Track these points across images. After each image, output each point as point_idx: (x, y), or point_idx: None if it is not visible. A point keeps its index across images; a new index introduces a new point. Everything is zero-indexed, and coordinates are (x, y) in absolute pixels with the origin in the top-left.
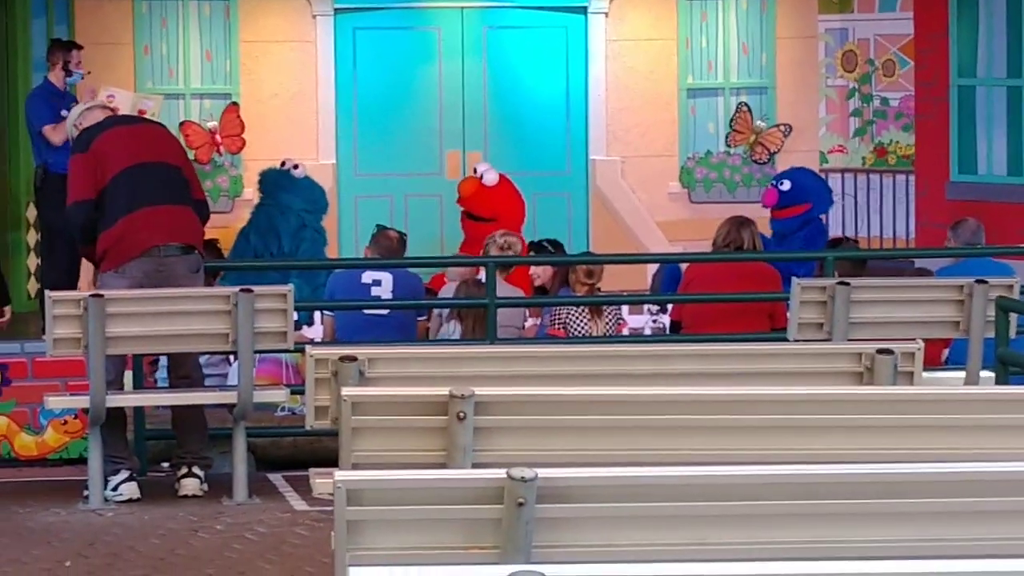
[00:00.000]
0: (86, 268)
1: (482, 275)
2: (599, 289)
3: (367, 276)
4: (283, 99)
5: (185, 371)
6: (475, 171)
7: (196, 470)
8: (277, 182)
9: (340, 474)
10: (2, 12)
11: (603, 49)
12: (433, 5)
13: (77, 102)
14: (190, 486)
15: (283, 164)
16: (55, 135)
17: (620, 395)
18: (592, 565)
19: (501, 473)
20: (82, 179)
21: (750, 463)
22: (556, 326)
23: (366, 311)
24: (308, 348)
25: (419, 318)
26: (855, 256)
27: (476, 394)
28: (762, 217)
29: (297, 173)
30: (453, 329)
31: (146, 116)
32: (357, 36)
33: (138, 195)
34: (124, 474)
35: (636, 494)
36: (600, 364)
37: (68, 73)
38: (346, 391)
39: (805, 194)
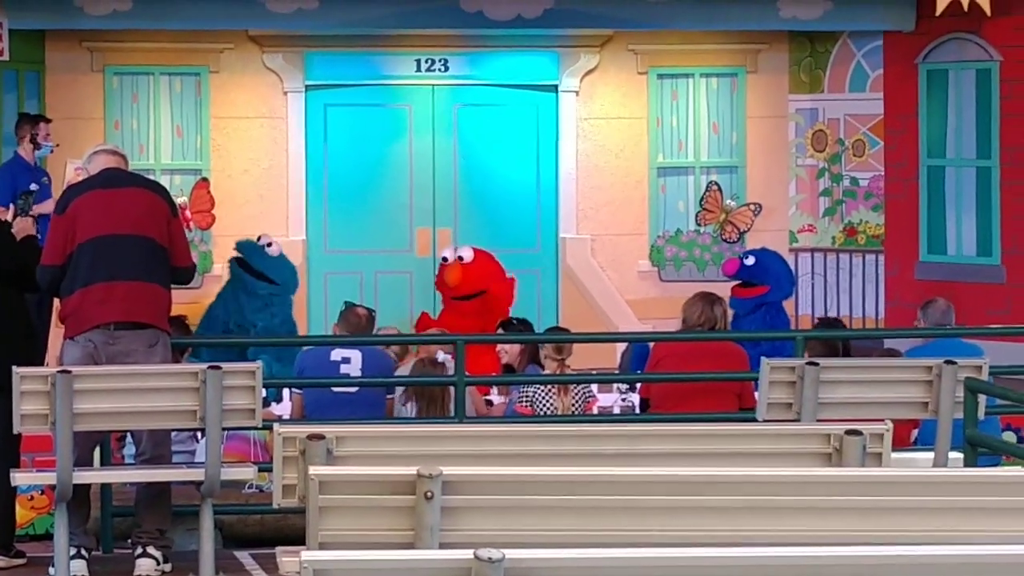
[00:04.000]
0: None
1: (439, 355)
2: (568, 366)
3: (336, 354)
4: (254, 175)
5: (154, 448)
6: (446, 259)
7: (151, 551)
8: (250, 257)
9: (307, 554)
10: None
11: (574, 127)
12: (404, 83)
13: (48, 176)
14: (145, 566)
15: (259, 239)
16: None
17: (589, 475)
18: None
19: (468, 554)
20: (53, 242)
21: (719, 544)
22: (523, 403)
23: (335, 389)
24: (276, 426)
25: (388, 396)
26: (827, 336)
27: (444, 473)
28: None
29: (271, 251)
30: (410, 409)
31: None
32: (328, 112)
33: (98, 268)
34: (73, 550)
35: (604, 575)
36: (569, 443)
37: (37, 146)
38: (313, 470)
39: (765, 275)
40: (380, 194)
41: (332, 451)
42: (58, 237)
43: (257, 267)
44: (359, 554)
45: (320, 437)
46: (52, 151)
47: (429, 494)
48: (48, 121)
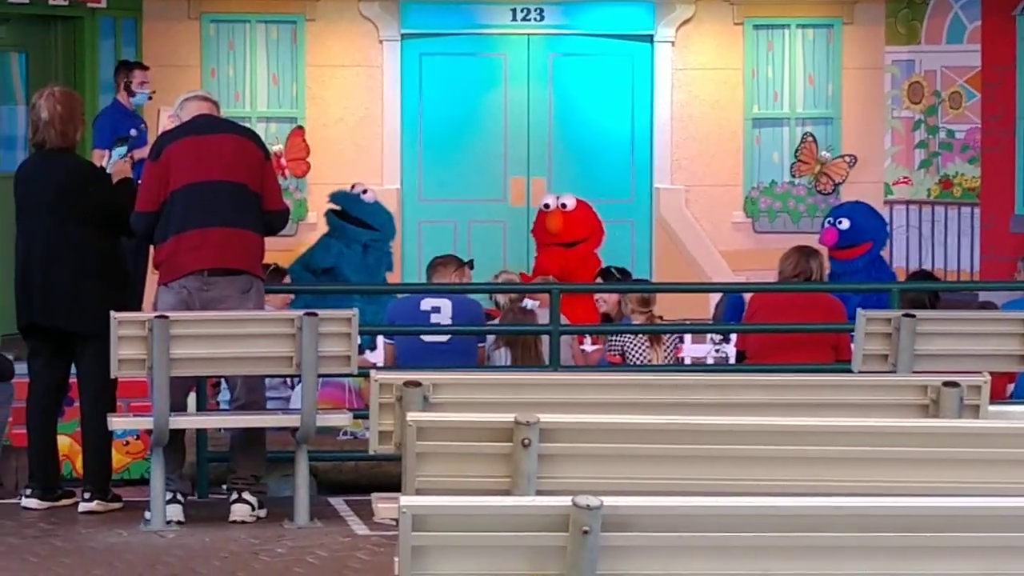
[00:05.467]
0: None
1: (526, 302)
2: (661, 317)
3: (426, 303)
4: (349, 123)
5: (249, 394)
6: (547, 206)
7: (247, 496)
8: (347, 206)
9: (405, 499)
10: (71, 35)
11: (669, 78)
12: (499, 32)
13: (144, 123)
14: (240, 512)
15: (353, 188)
16: (101, 162)
17: (685, 424)
18: None
19: (566, 501)
20: (147, 189)
21: (814, 494)
22: (614, 352)
23: (426, 338)
24: (373, 373)
25: (479, 344)
26: (922, 288)
27: (541, 421)
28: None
29: (367, 198)
30: (503, 356)
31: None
32: (423, 61)
33: (192, 215)
34: (168, 495)
35: (701, 523)
36: (664, 393)
37: (131, 93)
38: (411, 416)
39: (865, 233)
40: (474, 143)
41: (428, 398)
42: (152, 184)
43: (356, 215)
44: (457, 500)
45: (417, 384)
46: (149, 98)
47: (526, 441)
48: (144, 68)
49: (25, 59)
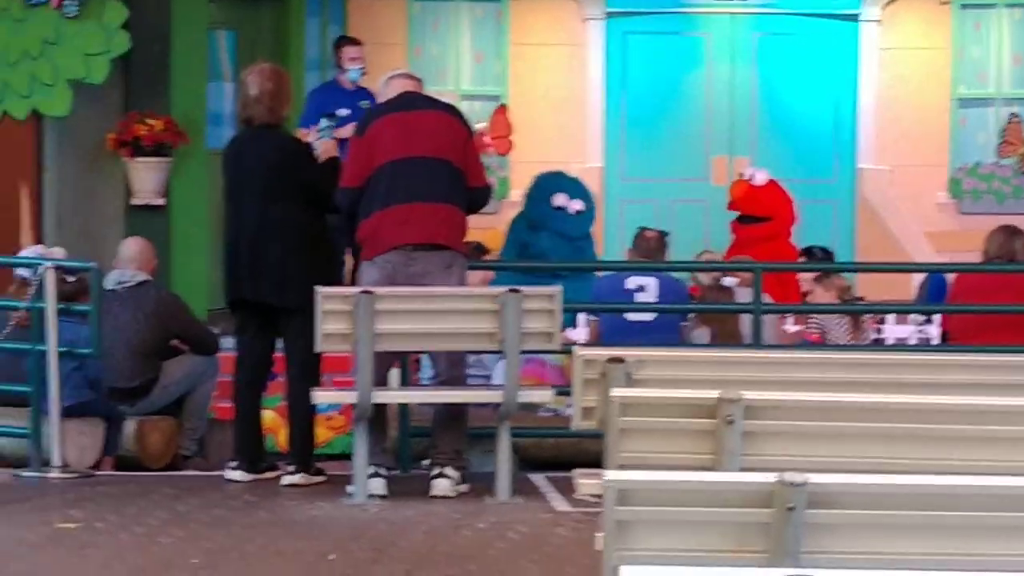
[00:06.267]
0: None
1: (726, 280)
2: (862, 298)
3: (631, 282)
4: (552, 102)
5: (451, 370)
6: (741, 175)
7: (449, 471)
8: (551, 185)
9: (610, 474)
10: (278, 13)
11: (874, 57)
12: (703, 11)
13: (372, 98)
14: (441, 487)
15: (557, 208)
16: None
17: (890, 403)
18: (861, 572)
19: (771, 477)
20: (352, 165)
21: (1021, 474)
22: (813, 331)
23: (629, 316)
24: (576, 349)
25: (683, 323)
26: None
27: (745, 398)
28: None
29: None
30: (703, 335)
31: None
32: (627, 40)
33: (396, 190)
34: (371, 469)
35: (906, 502)
36: (866, 372)
37: (342, 70)
38: (615, 392)
39: None
40: (677, 122)
41: (632, 375)
42: (357, 160)
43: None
44: (662, 475)
45: (620, 360)
46: (363, 74)
47: (730, 418)
48: (355, 44)
49: (233, 37)
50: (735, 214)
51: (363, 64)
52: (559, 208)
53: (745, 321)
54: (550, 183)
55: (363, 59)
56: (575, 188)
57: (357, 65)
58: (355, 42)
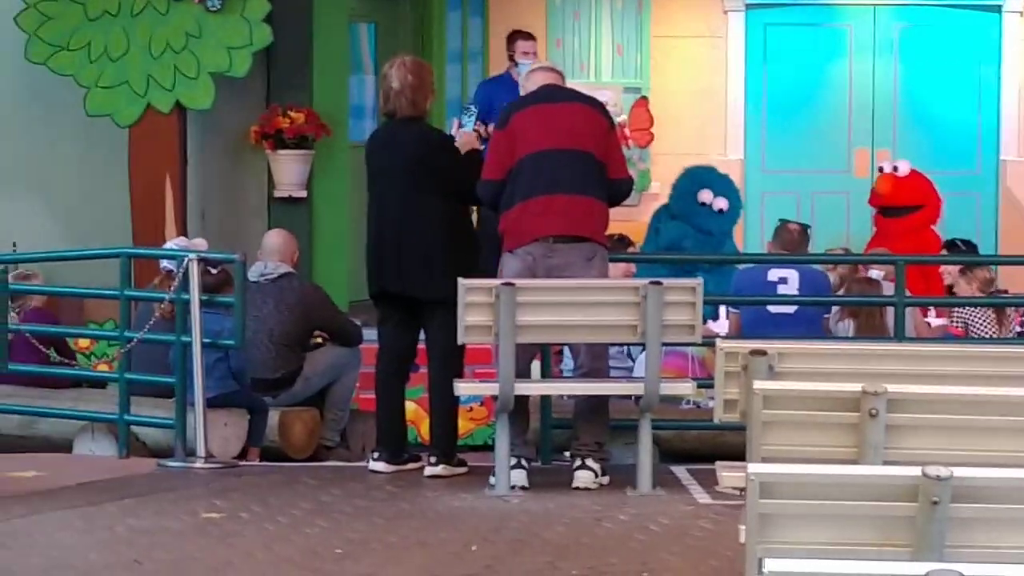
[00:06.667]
0: None
1: (870, 272)
2: (1006, 291)
3: (773, 274)
4: (692, 94)
5: (592, 362)
6: (882, 169)
7: (591, 463)
8: (699, 180)
9: (753, 467)
10: (420, 5)
11: (1017, 48)
12: (845, 2)
13: None
14: (583, 479)
15: (702, 204)
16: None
17: None
18: (1006, 566)
19: (916, 471)
20: (493, 157)
21: None
22: (956, 324)
23: (771, 308)
24: (719, 341)
25: (825, 315)
26: None
27: (889, 391)
28: None
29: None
30: (847, 327)
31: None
32: (768, 32)
33: (538, 182)
34: (513, 461)
35: None
36: (1012, 365)
37: (513, 63)
38: (758, 385)
39: None
40: (818, 114)
41: (774, 367)
42: (498, 152)
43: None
44: (806, 468)
45: (762, 353)
46: None
47: (874, 411)
48: (528, 38)
49: (374, 29)
50: (864, 207)
51: (535, 58)
52: (703, 204)
53: (889, 314)
54: (698, 178)
55: (535, 53)
56: (722, 185)
57: (529, 59)
58: (528, 36)
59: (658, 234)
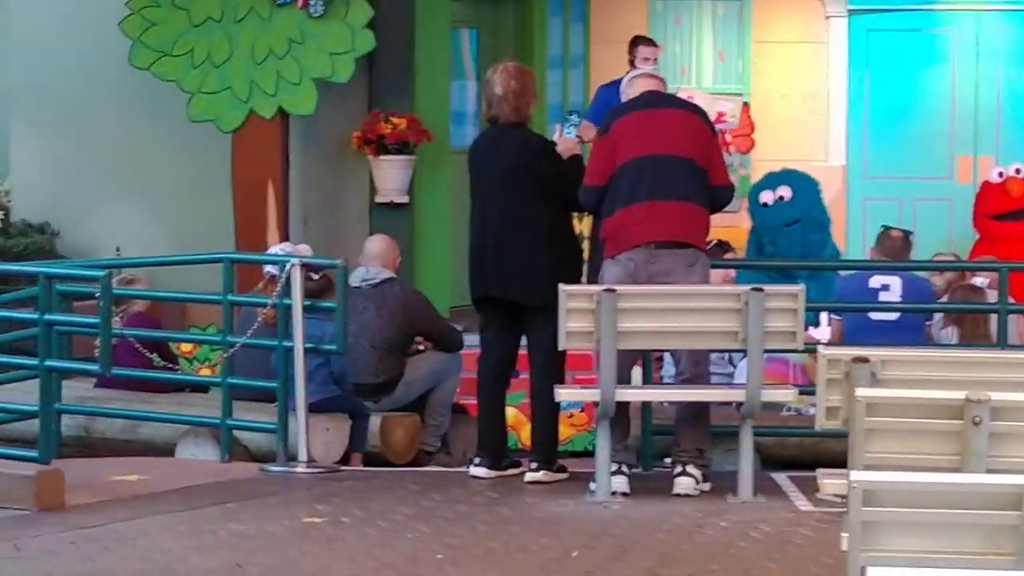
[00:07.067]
0: None
1: (975, 279)
2: None
3: (875, 280)
4: (793, 100)
5: (693, 368)
6: (1000, 175)
7: (691, 469)
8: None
9: (856, 474)
10: (521, 11)
11: None
12: (947, 7)
13: None
14: (683, 485)
15: (764, 205)
16: (585, 133)
17: None
18: None
19: (1020, 479)
20: (595, 163)
21: None
22: None
23: (873, 315)
24: (821, 348)
25: (928, 323)
26: None
27: (992, 399)
28: None
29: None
30: (951, 335)
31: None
32: (870, 38)
33: (639, 188)
34: (613, 467)
35: None
36: None
37: (634, 67)
38: (860, 392)
39: None
40: (920, 120)
41: (876, 374)
42: (600, 158)
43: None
44: (908, 476)
45: (865, 360)
46: None
47: (977, 419)
48: (650, 44)
49: (476, 35)
50: (966, 213)
51: (655, 65)
52: (765, 205)
53: (993, 321)
54: (755, 188)
55: (656, 60)
56: (775, 180)
57: (649, 65)
58: (650, 43)
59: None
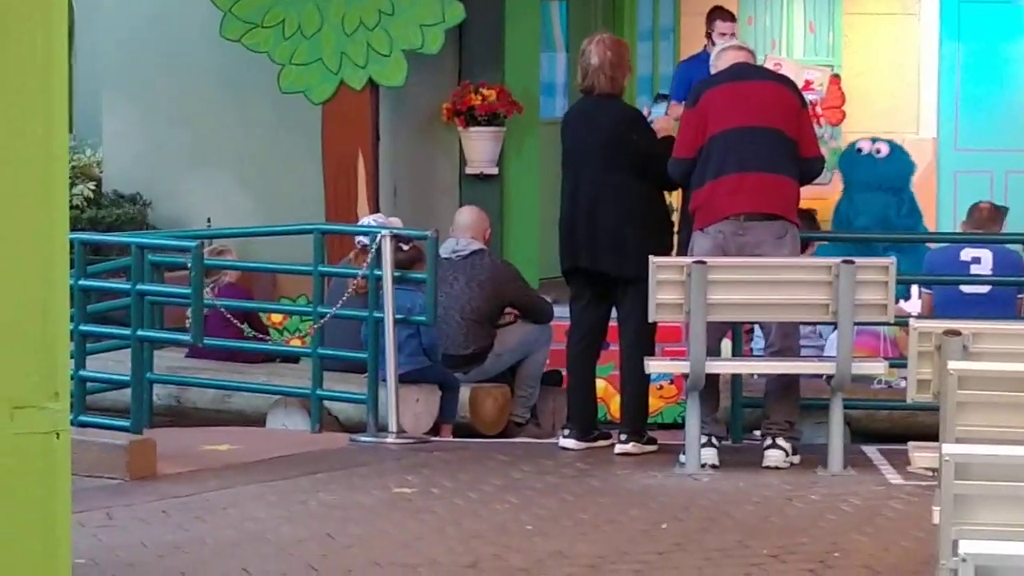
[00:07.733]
0: None
1: None
2: None
3: (966, 254)
4: (884, 72)
5: (783, 340)
6: None
7: (781, 442)
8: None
9: (948, 448)
10: None
11: None
12: None
13: None
14: (773, 458)
15: (859, 151)
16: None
17: None
18: None
19: None
20: (684, 136)
21: None
22: None
23: (964, 288)
24: (912, 321)
25: (1019, 296)
26: None
27: None
28: None
29: (880, 155)
30: None
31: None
32: (962, 8)
33: (729, 160)
34: (703, 439)
35: None
36: None
37: (712, 43)
38: (952, 365)
39: None
40: (1012, 92)
41: (968, 347)
42: (689, 130)
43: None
44: (1001, 449)
45: (957, 333)
46: None
47: None
48: (728, 18)
49: (566, 7)
50: None
51: (733, 39)
52: (860, 151)
53: None
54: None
55: (734, 34)
56: (878, 139)
57: (726, 40)
58: (729, 16)
59: (844, 218)
